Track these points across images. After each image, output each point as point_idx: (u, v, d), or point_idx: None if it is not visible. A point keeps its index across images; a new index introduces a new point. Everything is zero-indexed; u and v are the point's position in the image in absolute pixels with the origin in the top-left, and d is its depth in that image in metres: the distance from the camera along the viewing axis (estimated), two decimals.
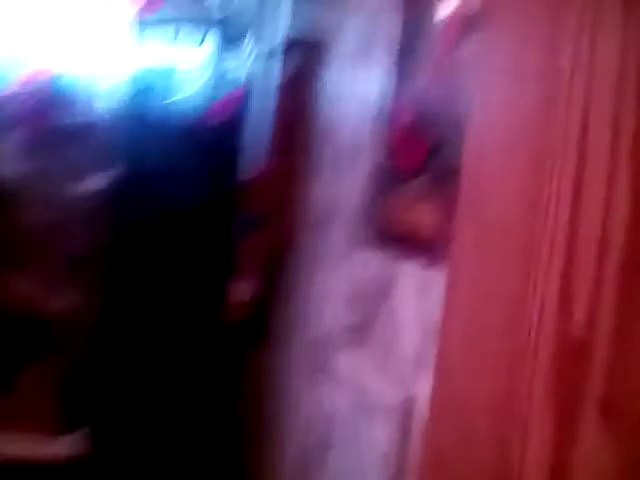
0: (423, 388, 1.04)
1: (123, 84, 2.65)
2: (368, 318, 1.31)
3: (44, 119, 2.60)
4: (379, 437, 1.16)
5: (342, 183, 1.61)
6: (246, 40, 2.76)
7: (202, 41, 2.71)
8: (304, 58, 2.13)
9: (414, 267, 1.13)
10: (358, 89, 1.63)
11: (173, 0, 2.66)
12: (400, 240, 1.22)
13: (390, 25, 1.39)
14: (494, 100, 0.87)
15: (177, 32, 2.70)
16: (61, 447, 2.46)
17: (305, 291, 1.77)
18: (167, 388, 2.70)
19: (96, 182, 2.68)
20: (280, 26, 2.65)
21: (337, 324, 1.50)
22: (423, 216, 1.13)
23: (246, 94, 2.76)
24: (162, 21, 2.68)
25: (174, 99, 2.71)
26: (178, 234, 2.73)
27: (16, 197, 2.59)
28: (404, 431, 1.08)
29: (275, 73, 2.48)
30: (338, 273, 1.53)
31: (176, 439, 2.62)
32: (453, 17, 1.14)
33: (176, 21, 2.72)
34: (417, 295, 1.11)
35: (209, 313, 2.76)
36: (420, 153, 1.23)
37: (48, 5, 2.58)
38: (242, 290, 2.41)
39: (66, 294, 2.67)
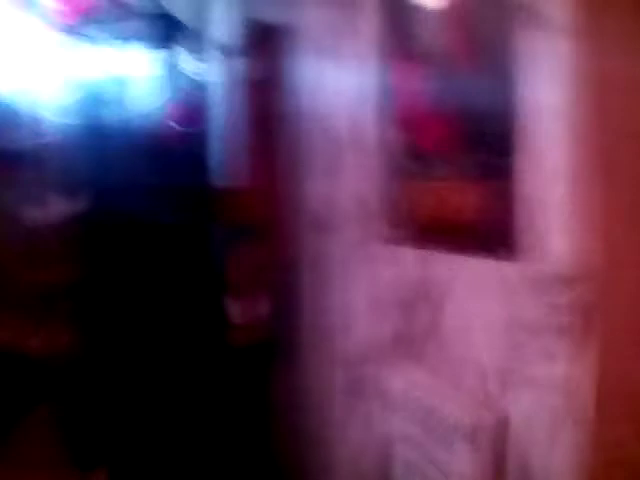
0: (516, 407, 0.86)
1: (71, 99, 2.43)
2: (418, 326, 1.13)
3: None
4: (462, 466, 0.98)
5: (345, 180, 1.42)
6: (198, 39, 2.57)
7: (150, 44, 2.51)
8: (270, 52, 1.94)
9: (469, 261, 0.95)
10: (342, 78, 1.45)
11: (110, 3, 2.43)
12: (440, 231, 1.04)
13: (369, 9, 1.22)
14: None
15: (120, 37, 2.49)
16: None
17: (324, 302, 1.58)
18: (181, 419, 2.54)
19: (61, 207, 2.46)
20: (234, 21, 2.45)
21: (374, 335, 1.31)
22: (468, 199, 0.95)
23: (207, 97, 2.57)
24: (102, 26, 2.46)
25: (130, 109, 2.50)
26: (158, 253, 2.55)
27: None
28: (497, 459, 0.90)
29: (237, 71, 2.28)
30: (362, 278, 1.35)
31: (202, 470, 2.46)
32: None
33: (117, 25, 2.50)
34: (479, 294, 0.93)
35: (207, 335, 2.58)
36: (437, 131, 1.05)
37: None
38: (243, 309, 2.22)
39: (50, 333, 2.46)
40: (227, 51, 2.32)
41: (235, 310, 2.22)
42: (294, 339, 1.90)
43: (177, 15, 2.52)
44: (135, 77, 2.50)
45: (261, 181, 1.97)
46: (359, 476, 1.45)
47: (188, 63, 2.53)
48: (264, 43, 1.94)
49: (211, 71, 2.54)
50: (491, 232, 0.91)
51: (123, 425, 2.45)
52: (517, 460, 0.88)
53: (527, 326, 0.84)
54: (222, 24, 2.47)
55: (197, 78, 2.54)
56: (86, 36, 2.44)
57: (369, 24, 1.23)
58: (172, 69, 2.52)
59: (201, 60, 2.55)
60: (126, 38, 2.50)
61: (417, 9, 1.08)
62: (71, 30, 2.41)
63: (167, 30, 2.53)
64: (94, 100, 2.45)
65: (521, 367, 0.86)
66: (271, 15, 1.91)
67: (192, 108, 2.54)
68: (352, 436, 1.47)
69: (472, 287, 0.96)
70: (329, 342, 1.55)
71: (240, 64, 2.10)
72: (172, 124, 2.52)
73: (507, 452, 0.89)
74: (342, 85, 1.39)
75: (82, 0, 2.39)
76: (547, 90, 0.79)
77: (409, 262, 1.14)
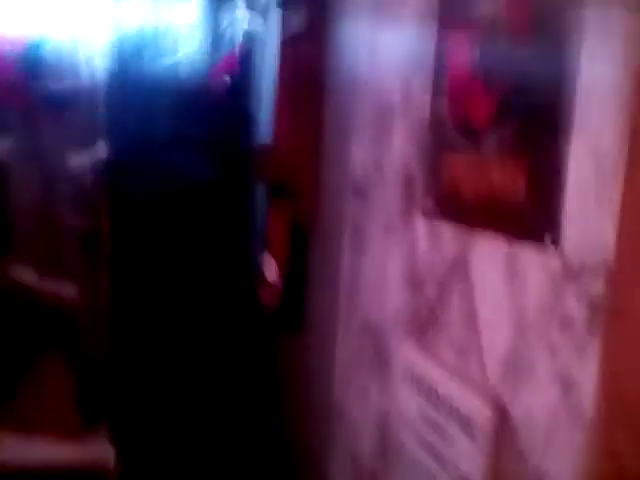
0: (519, 401, 0.81)
1: (112, 48, 2.41)
2: (435, 305, 1.08)
3: (28, 90, 2.38)
4: (457, 454, 0.94)
5: (384, 144, 1.37)
6: None
7: None
8: (323, 7, 1.87)
9: (496, 242, 0.89)
10: (388, 39, 1.39)
11: None
12: (474, 207, 0.98)
13: None
14: None
15: None
16: (82, 448, 2.30)
17: (349, 269, 1.54)
18: (193, 377, 2.52)
19: (94, 154, 2.46)
20: None
21: (394, 310, 1.27)
22: (504, 177, 0.89)
23: (248, 52, 2.51)
24: None
25: (170, 61, 2.46)
26: (190, 207, 2.51)
27: (7, 176, 2.40)
28: (492, 453, 0.85)
29: (280, 26, 2.21)
30: (391, 249, 1.30)
31: (208, 432, 2.46)
32: None
33: None
34: (503, 278, 0.87)
35: (234, 294, 2.56)
36: (488, 104, 0.99)
37: None
38: (271, 269, 2.19)
39: (75, 279, 2.48)
40: (280, 4, 2.26)
41: (270, 269, 2.20)
42: (318, 304, 1.87)
43: None
44: (185, 27, 2.46)
45: (304, 140, 1.92)
46: (356, 455, 1.41)
47: (240, 14, 2.48)
48: None
49: (263, 24, 2.48)
50: (523, 213, 0.85)
51: (131, 379, 2.45)
52: (514, 452, 0.82)
53: (537, 317, 0.78)
54: None
55: (249, 30, 2.48)
56: None
57: None
58: (223, 20, 2.47)
59: (253, 12, 2.49)
60: None
61: None
62: None
63: None
64: (141, 49, 2.43)
65: (523, 357, 0.80)
66: None
67: (241, 60, 2.49)
68: (353, 412, 1.44)
69: (491, 270, 0.90)
70: (348, 311, 1.51)
71: (292, 18, 2.04)
72: (220, 76, 2.48)
73: (503, 446, 0.84)
74: (396, 49, 1.33)
75: None
76: (607, 67, 0.72)
77: (440, 236, 1.09)
